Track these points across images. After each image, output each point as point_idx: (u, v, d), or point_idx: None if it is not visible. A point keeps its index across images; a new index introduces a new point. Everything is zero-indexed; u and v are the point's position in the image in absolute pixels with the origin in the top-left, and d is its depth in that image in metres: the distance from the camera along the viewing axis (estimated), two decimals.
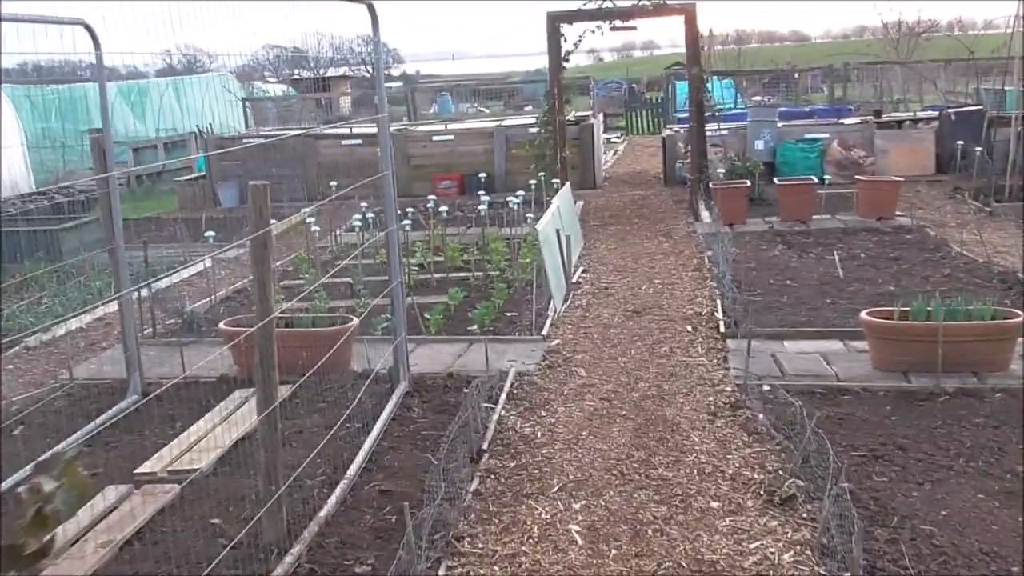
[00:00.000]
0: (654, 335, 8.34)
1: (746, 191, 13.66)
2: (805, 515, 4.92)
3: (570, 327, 8.75)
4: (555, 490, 5.33)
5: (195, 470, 5.62)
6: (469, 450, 5.76)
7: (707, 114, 16.29)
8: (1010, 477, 5.36)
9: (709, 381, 7.08)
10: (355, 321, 7.70)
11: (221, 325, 7.80)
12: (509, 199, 11.46)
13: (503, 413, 6.57)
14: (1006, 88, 18.02)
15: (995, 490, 5.20)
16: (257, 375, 4.64)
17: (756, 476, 5.42)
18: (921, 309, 7.09)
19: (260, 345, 4.60)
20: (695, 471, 5.50)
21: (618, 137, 29.15)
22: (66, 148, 24.46)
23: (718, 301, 9.17)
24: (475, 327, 8.71)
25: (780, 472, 5.46)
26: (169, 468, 5.72)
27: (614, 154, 24.42)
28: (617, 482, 5.38)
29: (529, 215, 12.02)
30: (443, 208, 12.16)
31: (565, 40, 15.56)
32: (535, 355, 7.88)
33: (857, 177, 14.31)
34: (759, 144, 17.62)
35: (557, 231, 9.75)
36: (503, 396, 6.83)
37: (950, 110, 17.98)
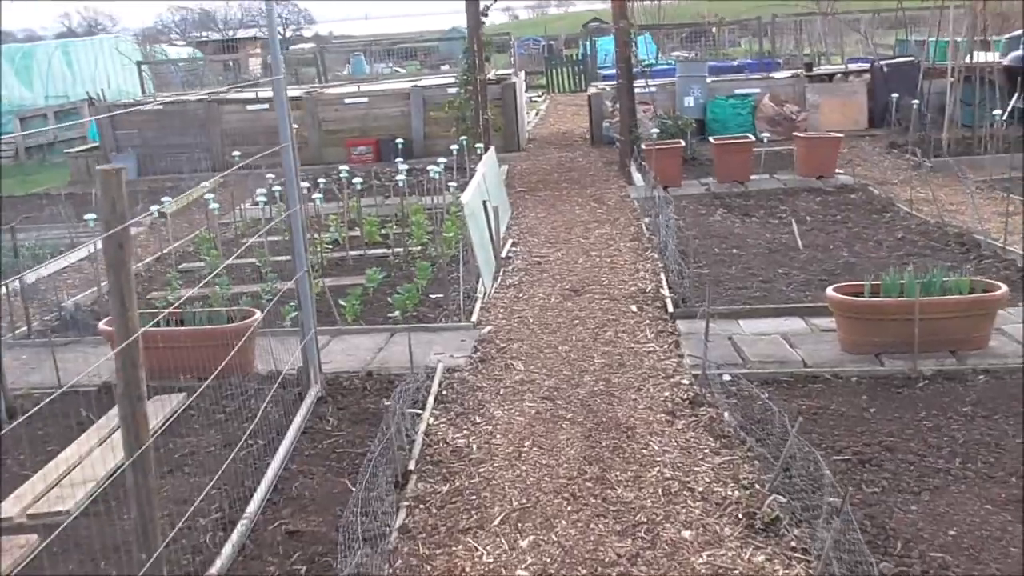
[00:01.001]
0: (596, 317, 7.52)
1: (680, 151, 12.91)
2: (795, 543, 4.16)
3: (503, 311, 7.88)
4: (497, 522, 4.47)
5: (61, 513, 4.64)
6: (394, 472, 4.88)
7: (635, 70, 15.48)
8: (1015, 481, 4.67)
9: (662, 372, 6.28)
10: (257, 315, 6.73)
11: (101, 325, 6.75)
12: (430, 167, 10.50)
13: (432, 421, 5.69)
14: (932, 40, 17.51)
15: (1002, 499, 4.50)
16: (121, 408, 3.68)
17: (730, 493, 4.64)
18: (894, 284, 6.38)
19: (122, 371, 3.64)
20: (659, 489, 4.70)
21: (539, 96, 28.24)
22: None
23: (662, 275, 8.39)
24: (397, 313, 7.80)
25: (757, 486, 4.69)
26: (30, 511, 4.73)
27: (536, 114, 23.51)
28: (569, 508, 4.56)
29: (452, 184, 11.09)
30: (357, 179, 11.12)
31: None
32: (465, 346, 7.00)
33: (795, 135, 13.64)
34: (689, 101, 16.89)
35: (484, 203, 8.85)
36: (431, 399, 5.94)
37: (882, 62, 17.44)
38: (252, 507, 4.61)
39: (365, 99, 17.63)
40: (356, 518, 4.19)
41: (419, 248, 10.02)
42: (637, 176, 13.44)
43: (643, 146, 13.19)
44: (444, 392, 6.14)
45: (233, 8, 75.03)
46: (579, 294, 8.18)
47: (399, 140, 14.59)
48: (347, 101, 17.64)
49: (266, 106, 17.51)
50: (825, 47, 25.60)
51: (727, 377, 5.96)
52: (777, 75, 17.99)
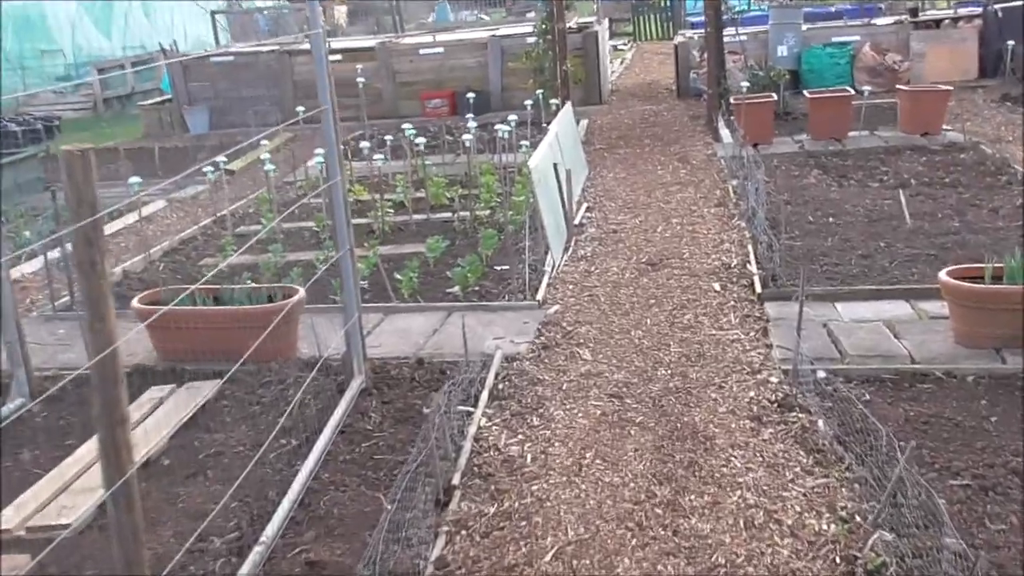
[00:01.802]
0: (674, 297, 6.79)
1: (772, 106, 11.95)
2: None
3: (572, 287, 7.19)
4: (548, 558, 3.84)
5: (62, 527, 4.16)
6: (435, 487, 4.27)
7: (724, 17, 14.47)
8: None
9: (748, 366, 5.54)
10: (300, 294, 6.17)
11: (134, 303, 6.27)
12: (498, 126, 9.78)
13: (484, 422, 5.07)
14: None
15: None
16: (99, 433, 3.12)
17: (826, 528, 3.92)
18: (1020, 268, 5.51)
19: (98, 389, 3.08)
20: (740, 520, 4.00)
21: (625, 44, 27.13)
22: (26, 70, 22.67)
23: (750, 248, 7.59)
24: (457, 288, 7.18)
25: (857, 518, 3.96)
26: (30, 523, 4.25)
27: (621, 63, 22.51)
28: (635, 542, 3.90)
29: (524, 142, 10.37)
30: (419, 140, 10.44)
31: None
32: (528, 329, 6.35)
33: (898, 88, 12.53)
34: (782, 50, 15.79)
35: (555, 166, 8.13)
36: (485, 394, 5.32)
37: (996, 6, 16.03)
38: (271, 528, 4.05)
39: (441, 50, 16.92)
40: (384, 548, 3.61)
41: (487, 213, 9.36)
42: (725, 132, 12.53)
43: (732, 100, 12.26)
44: (500, 386, 5.51)
45: None
46: (656, 268, 7.44)
47: (471, 95, 13.85)
48: (422, 52, 16.95)
49: (338, 57, 16.95)
50: None
51: (822, 374, 5.20)
52: (879, 21, 16.73)
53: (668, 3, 29.99)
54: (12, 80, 22.37)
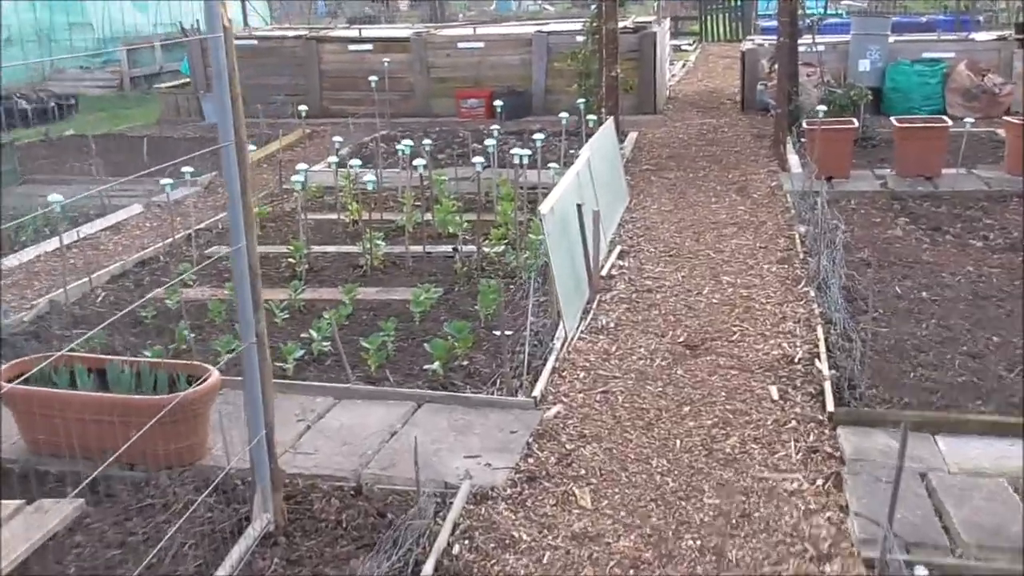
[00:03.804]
0: (716, 405, 5.11)
1: (853, 134, 10.14)
2: None
3: (583, 374, 5.54)
4: None
5: None
6: None
7: (801, 24, 12.68)
8: None
9: (812, 546, 3.86)
10: (212, 376, 4.62)
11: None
12: (514, 152, 8.08)
13: None
14: None
15: None
16: None
17: None
18: None
19: None
20: None
21: (690, 44, 25.25)
22: (53, 43, 21.46)
23: (819, 331, 5.88)
24: (436, 365, 5.57)
25: None
26: None
27: (683, 66, 20.67)
28: None
29: (552, 164, 8.71)
30: (424, 147, 8.80)
31: None
32: (515, 443, 4.72)
33: (1006, 119, 10.63)
34: (864, 64, 13.92)
35: (579, 207, 6.48)
36: (429, 567, 3.70)
37: None
38: None
39: (481, 44, 15.28)
40: None
41: (500, 249, 7.74)
42: (793, 159, 10.76)
43: (804, 124, 10.49)
44: (456, 549, 3.88)
45: None
46: (697, 353, 5.76)
47: (501, 99, 12.21)
48: (460, 46, 15.32)
49: (369, 47, 15.45)
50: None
51: (922, 573, 3.52)
52: (977, 36, 14.75)
53: (739, 2, 28.05)
54: (36, 53, 21.20)
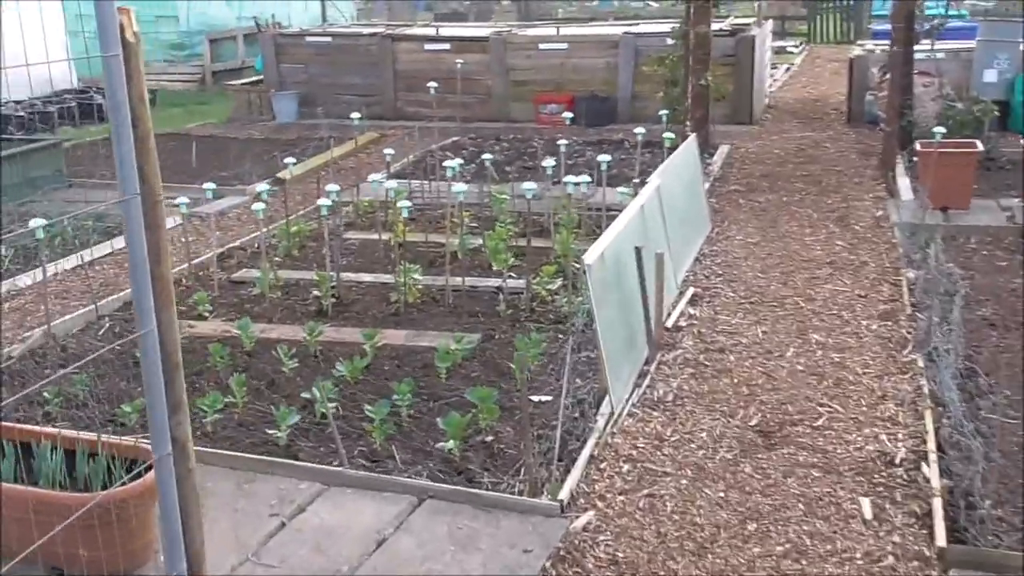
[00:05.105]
0: (791, 524, 4.02)
1: (975, 158, 8.83)
2: None
3: (627, 467, 4.51)
4: None
5: None
6: None
7: (920, 29, 11.34)
8: None
9: None
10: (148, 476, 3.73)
11: None
12: (601, 159, 7.07)
13: None
14: None
15: None
16: None
17: None
18: None
19: None
20: None
21: (796, 46, 23.73)
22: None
23: (928, 419, 4.74)
24: (451, 444, 4.62)
25: None
26: None
27: (787, 70, 19.28)
28: None
29: (621, 189, 7.67)
30: (486, 163, 7.84)
31: None
32: (525, 569, 3.73)
33: None
34: (990, 75, 12.44)
35: (638, 250, 5.44)
36: None
37: None
38: None
39: (564, 45, 14.24)
40: None
41: (555, 286, 6.75)
42: (903, 183, 9.48)
43: (918, 145, 9.20)
44: None
45: None
46: (771, 443, 4.68)
47: (569, 114, 11.20)
48: (542, 47, 14.30)
49: (447, 46, 14.57)
50: None
51: None
52: None
53: (851, 1, 26.38)
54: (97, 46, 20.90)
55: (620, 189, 7.60)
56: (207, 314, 6.64)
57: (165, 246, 2.91)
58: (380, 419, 4.75)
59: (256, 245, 8.10)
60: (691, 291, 6.78)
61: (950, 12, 19.52)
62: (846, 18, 25.55)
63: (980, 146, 8.98)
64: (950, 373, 5.03)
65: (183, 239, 7.81)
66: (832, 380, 5.34)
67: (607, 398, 4.93)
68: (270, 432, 4.84)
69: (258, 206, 6.85)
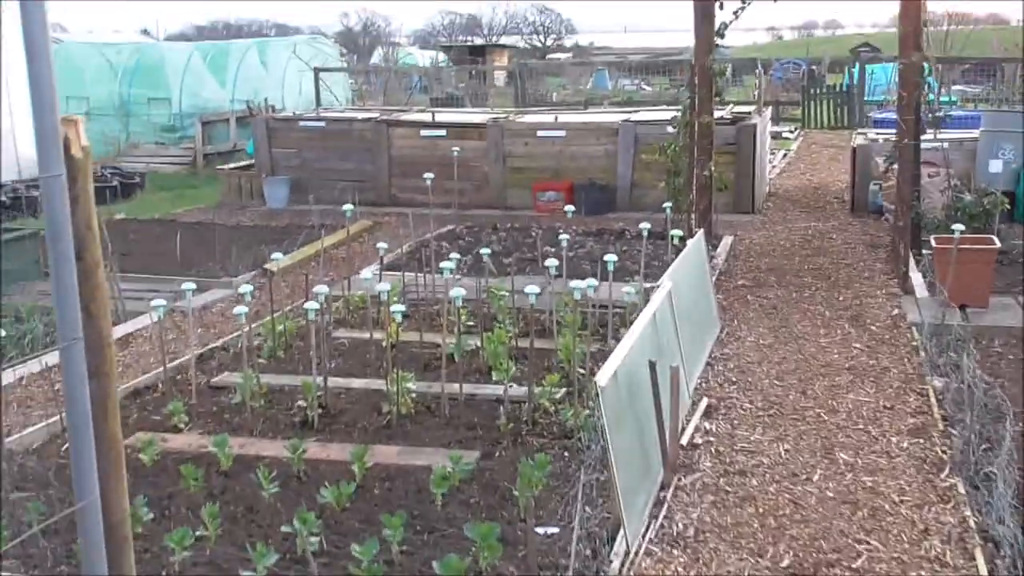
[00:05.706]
0: None
1: (994, 255, 8.49)
2: None
3: None
4: None
5: None
6: None
7: (925, 118, 11.07)
8: None
9: None
10: None
11: None
12: (608, 259, 6.68)
13: None
14: None
15: None
16: None
17: None
18: None
19: None
20: None
21: (791, 131, 23.67)
22: (130, 117, 21.01)
23: (979, 557, 4.26)
24: None
25: None
26: None
27: (784, 156, 19.12)
28: None
29: (627, 288, 7.27)
30: (483, 256, 7.43)
31: (721, 7, 10.65)
32: None
33: None
34: (995, 165, 12.23)
35: (652, 364, 5.00)
36: None
37: None
38: None
39: (562, 132, 14.00)
40: None
41: (560, 394, 6.29)
42: (916, 278, 9.12)
43: (933, 241, 8.85)
44: None
45: (499, 14, 73.74)
46: None
47: (570, 206, 10.88)
48: (540, 134, 14.06)
49: (442, 132, 14.32)
50: None
51: None
52: None
53: (844, 87, 26.40)
54: (113, 127, 20.77)
55: (626, 288, 7.19)
56: (182, 425, 6.16)
57: (114, 397, 2.49)
58: (369, 553, 4.25)
59: (239, 346, 7.66)
60: (705, 401, 6.33)
61: (943, 99, 19.47)
62: (839, 104, 25.59)
63: (998, 242, 8.64)
64: (1003, 503, 4.57)
65: (160, 338, 7.33)
66: (867, 510, 4.86)
67: (621, 533, 4.44)
68: (245, 575, 4.33)
69: (240, 309, 6.39)
